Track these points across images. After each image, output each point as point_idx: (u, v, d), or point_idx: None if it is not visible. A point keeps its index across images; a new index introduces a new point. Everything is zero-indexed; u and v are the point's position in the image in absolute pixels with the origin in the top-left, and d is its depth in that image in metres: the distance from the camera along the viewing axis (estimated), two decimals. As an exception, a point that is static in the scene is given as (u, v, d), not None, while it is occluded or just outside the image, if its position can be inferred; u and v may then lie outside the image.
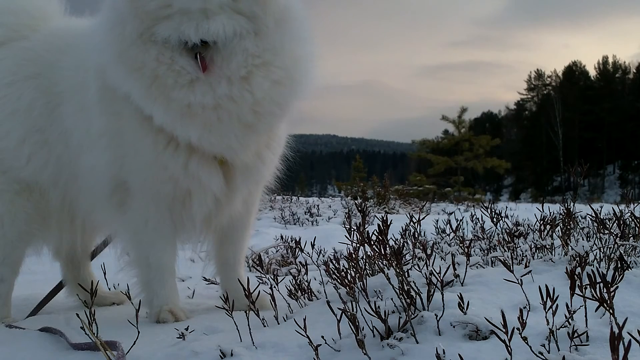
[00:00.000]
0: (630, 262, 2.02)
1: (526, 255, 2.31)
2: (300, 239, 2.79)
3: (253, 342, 1.82)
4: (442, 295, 1.70)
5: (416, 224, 2.56)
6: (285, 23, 2.24)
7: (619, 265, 1.59)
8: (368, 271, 2.27)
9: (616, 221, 2.32)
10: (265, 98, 2.22)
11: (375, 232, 2.06)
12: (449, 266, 1.97)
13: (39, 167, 2.65)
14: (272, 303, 2.10)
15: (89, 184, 2.56)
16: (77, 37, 2.68)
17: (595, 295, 1.37)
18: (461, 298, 1.60)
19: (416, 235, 2.62)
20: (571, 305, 1.44)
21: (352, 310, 1.64)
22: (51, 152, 2.64)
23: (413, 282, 1.79)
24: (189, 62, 2.15)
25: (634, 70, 65.02)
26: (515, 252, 2.34)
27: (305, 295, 2.47)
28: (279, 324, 2.11)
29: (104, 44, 2.28)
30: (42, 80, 2.67)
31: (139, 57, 2.17)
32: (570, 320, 1.43)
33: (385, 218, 2.04)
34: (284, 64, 2.24)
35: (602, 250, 2.11)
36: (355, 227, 2.23)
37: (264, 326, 2.06)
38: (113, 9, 2.25)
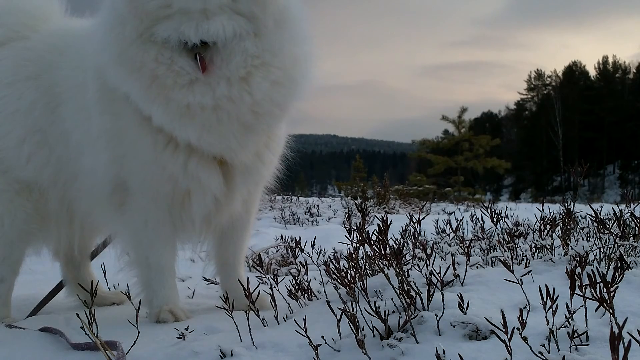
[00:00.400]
0: (630, 262, 2.02)
1: (526, 255, 2.31)
2: (300, 239, 2.79)
3: (253, 342, 1.82)
4: (442, 295, 1.70)
5: (416, 224, 2.56)
6: (285, 24, 2.24)
7: (619, 265, 1.59)
8: (368, 271, 2.27)
9: (616, 221, 2.32)
10: (265, 99, 2.21)
11: (375, 232, 2.06)
12: (449, 266, 1.97)
13: (39, 167, 2.65)
14: (272, 303, 2.10)
15: (88, 184, 2.56)
16: (77, 37, 2.68)
17: (595, 295, 1.37)
18: (461, 298, 1.60)
19: (416, 235, 2.62)
20: (571, 305, 1.44)
21: (352, 310, 1.64)
22: (51, 152, 2.64)
23: (413, 282, 1.79)
24: (188, 63, 2.15)
25: (634, 70, 65.01)
26: (515, 252, 2.34)
27: (305, 295, 2.47)
28: (279, 324, 2.11)
29: (103, 44, 2.27)
30: (42, 80, 2.67)
31: (138, 57, 2.16)
32: (570, 320, 1.43)
33: (385, 218, 2.04)
34: (283, 64, 2.23)
35: (602, 250, 2.11)
36: (355, 227, 2.23)
37: (264, 326, 2.06)
38: (112, 9, 2.24)
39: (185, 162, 2.29)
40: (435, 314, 1.61)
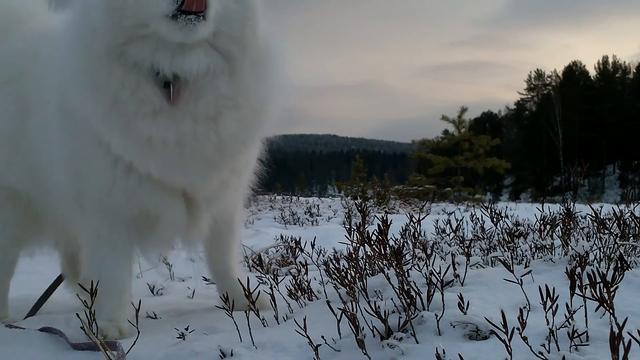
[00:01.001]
0: (630, 262, 2.02)
1: (526, 255, 2.31)
2: (300, 239, 2.79)
3: (253, 342, 1.82)
4: (442, 295, 1.70)
5: (416, 224, 2.56)
6: (262, 67, 2.15)
7: (619, 265, 1.59)
8: (368, 271, 2.27)
9: (616, 221, 2.32)
10: (231, 138, 2.13)
11: (375, 232, 2.06)
12: (449, 266, 1.97)
13: (18, 174, 2.58)
14: (272, 303, 2.10)
15: (59, 194, 2.49)
16: (47, 43, 2.48)
17: (595, 295, 1.37)
18: (461, 298, 1.60)
19: (416, 235, 2.62)
20: (571, 305, 1.44)
21: (352, 310, 1.64)
22: (24, 161, 2.55)
23: (413, 282, 1.79)
24: (154, 91, 2.03)
25: (634, 70, 65.00)
26: (515, 252, 2.34)
27: (305, 295, 2.48)
28: (279, 324, 2.11)
29: (67, 56, 2.13)
30: (13, 87, 2.55)
31: (103, 76, 2.02)
32: (570, 320, 1.43)
33: (385, 218, 2.04)
34: (254, 105, 2.15)
35: (602, 250, 2.11)
36: (355, 227, 2.23)
37: (264, 326, 2.06)
38: (84, 18, 2.06)
39: (146, 190, 2.20)
40: (435, 314, 1.61)
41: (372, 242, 2.07)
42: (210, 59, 2.03)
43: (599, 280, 1.37)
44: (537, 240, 2.41)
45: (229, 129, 2.10)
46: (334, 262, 2.35)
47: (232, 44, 2.06)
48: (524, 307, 1.58)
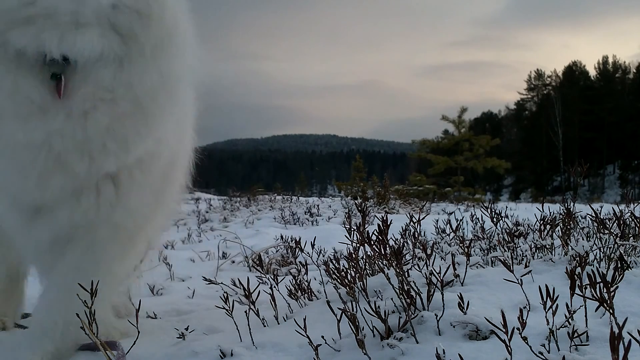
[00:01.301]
0: (630, 262, 2.02)
1: (526, 255, 2.31)
2: (300, 239, 2.79)
3: (253, 342, 1.82)
4: (442, 295, 1.70)
5: (416, 224, 2.56)
6: (165, 48, 1.83)
7: (619, 265, 1.59)
8: (368, 271, 2.27)
9: (616, 221, 2.32)
10: (99, 135, 1.77)
11: (375, 232, 2.06)
12: (449, 266, 1.97)
13: None
14: (272, 303, 2.11)
15: None
16: None
17: (595, 295, 1.37)
18: (461, 298, 1.60)
19: (416, 235, 2.62)
20: (571, 305, 1.44)
21: (352, 310, 1.64)
22: None
23: (413, 282, 1.79)
24: (37, 88, 1.70)
25: (634, 70, 64.97)
26: (515, 252, 2.34)
27: (305, 295, 2.48)
28: (279, 324, 2.11)
29: None
30: None
31: None
32: (570, 320, 1.43)
33: (385, 218, 2.04)
34: (137, 95, 1.80)
35: (602, 250, 2.11)
36: (355, 227, 2.23)
37: (264, 326, 2.06)
38: None
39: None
40: (435, 314, 1.61)
41: (372, 242, 2.07)
42: (107, 41, 1.73)
43: (599, 280, 1.37)
44: (537, 240, 2.41)
45: (98, 125, 1.75)
46: (334, 262, 2.35)
47: (135, 21, 1.75)
48: (524, 307, 1.58)
